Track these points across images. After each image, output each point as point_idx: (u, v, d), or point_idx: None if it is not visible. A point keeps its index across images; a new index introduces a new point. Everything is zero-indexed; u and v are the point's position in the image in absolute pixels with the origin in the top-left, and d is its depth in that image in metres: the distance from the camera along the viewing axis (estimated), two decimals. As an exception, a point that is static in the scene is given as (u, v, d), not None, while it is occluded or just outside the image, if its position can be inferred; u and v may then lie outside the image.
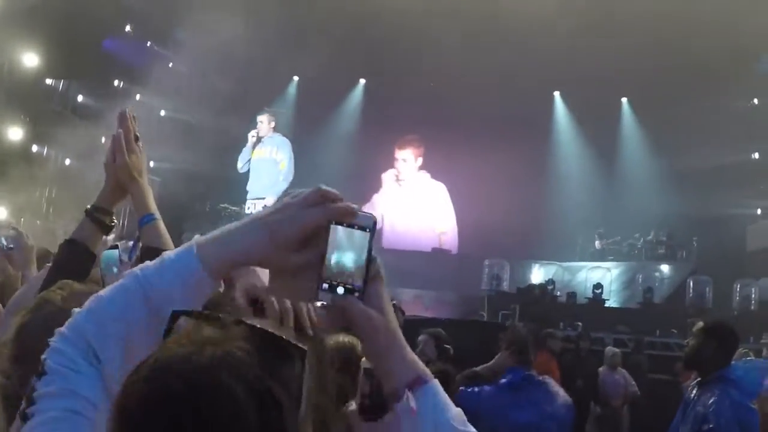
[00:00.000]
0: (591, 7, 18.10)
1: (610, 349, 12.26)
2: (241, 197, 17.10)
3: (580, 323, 16.07)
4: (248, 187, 14.20)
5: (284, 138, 14.14)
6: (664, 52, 18.80)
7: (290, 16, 19.11)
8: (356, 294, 1.50)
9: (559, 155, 22.95)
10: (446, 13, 18.83)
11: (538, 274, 20.76)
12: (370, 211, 1.50)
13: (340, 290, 1.49)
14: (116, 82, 19.44)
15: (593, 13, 18.15)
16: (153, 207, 2.72)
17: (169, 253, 1.52)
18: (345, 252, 1.48)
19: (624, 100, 22.77)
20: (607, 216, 21.03)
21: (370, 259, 1.49)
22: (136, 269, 1.51)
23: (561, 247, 21.14)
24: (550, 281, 19.24)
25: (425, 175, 22.57)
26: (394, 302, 1.43)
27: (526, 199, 20.70)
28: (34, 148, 17.22)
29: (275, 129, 14.07)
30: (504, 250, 20.44)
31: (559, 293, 18.78)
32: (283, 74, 22.84)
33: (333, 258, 1.48)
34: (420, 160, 22.45)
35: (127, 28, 19.69)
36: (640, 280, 19.58)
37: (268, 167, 13.97)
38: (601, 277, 19.79)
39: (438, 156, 22.28)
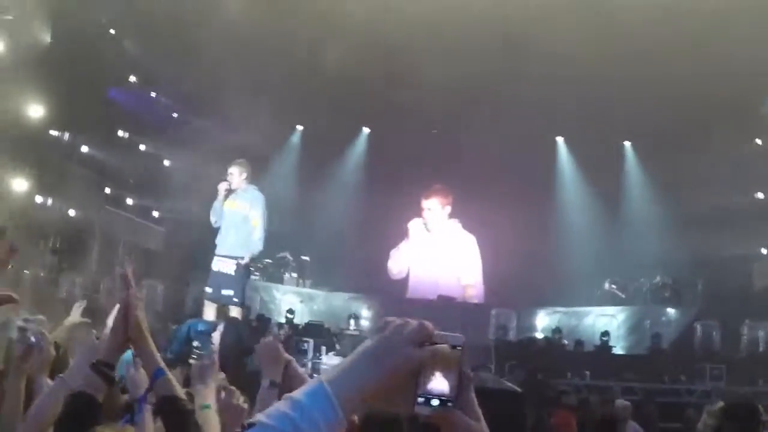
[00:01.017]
0: (592, 52, 18.15)
1: (620, 402, 12.13)
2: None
3: (588, 372, 15.98)
4: (217, 242, 13.84)
5: (258, 192, 13.75)
6: (665, 95, 18.82)
7: (292, 65, 19.21)
8: (449, 404, 1.64)
9: (563, 200, 22.92)
10: (447, 60, 18.88)
11: (544, 321, 20.67)
12: (459, 333, 1.65)
13: (435, 402, 1.63)
14: (120, 133, 19.54)
15: (594, 57, 18.20)
16: (161, 362, 2.97)
17: (301, 396, 1.59)
18: (439, 368, 1.63)
19: (627, 144, 22.79)
20: (611, 260, 20.92)
21: (461, 372, 1.65)
22: (283, 410, 1.57)
23: (566, 292, 21.01)
24: (557, 329, 19.18)
25: (456, 225, 22.44)
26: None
27: (531, 244, 20.58)
28: (39, 198, 17.25)
29: (248, 180, 13.74)
30: (509, 296, 20.39)
31: (566, 341, 18.71)
32: (287, 123, 22.94)
33: (428, 374, 1.62)
34: (448, 209, 22.31)
35: (132, 78, 19.82)
36: (648, 325, 19.51)
37: (239, 223, 13.58)
38: (608, 322, 19.71)
39: (459, 205, 22.25)
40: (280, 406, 1.59)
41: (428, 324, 1.63)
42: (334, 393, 1.57)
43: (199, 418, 3.08)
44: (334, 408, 1.56)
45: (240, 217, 13.49)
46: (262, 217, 13.55)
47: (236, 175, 13.51)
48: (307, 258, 22.10)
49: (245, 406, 3.95)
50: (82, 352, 3.84)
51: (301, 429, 1.53)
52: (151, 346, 2.93)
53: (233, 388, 3.96)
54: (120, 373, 4.06)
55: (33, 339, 4.16)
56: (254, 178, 17.55)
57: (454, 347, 1.64)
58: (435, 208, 21.60)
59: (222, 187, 13.53)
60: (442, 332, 1.65)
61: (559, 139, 23.23)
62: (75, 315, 6.63)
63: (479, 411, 1.78)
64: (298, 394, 1.59)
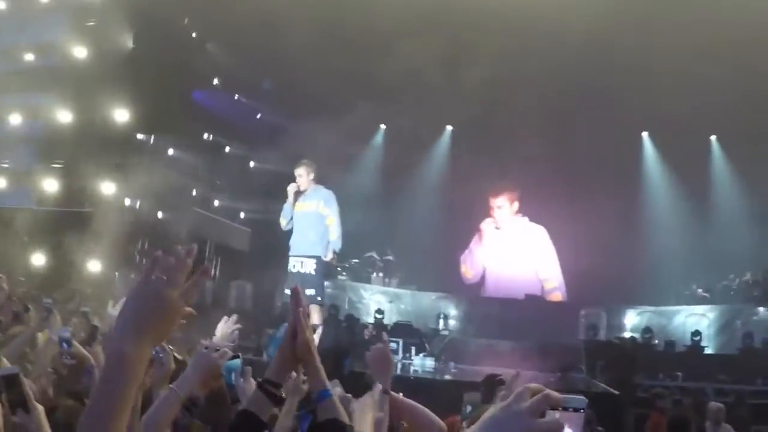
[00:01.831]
0: (676, 45, 17.78)
1: (714, 405, 11.79)
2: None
3: (679, 373, 15.65)
4: (291, 243, 13.74)
5: (329, 191, 13.66)
6: (751, 86, 18.33)
7: (376, 64, 19.20)
8: None
9: (650, 196, 22.44)
10: (530, 57, 18.69)
11: (633, 320, 20.33)
12: (581, 396, 1.64)
13: None
14: (205, 135, 19.77)
15: (679, 49, 17.82)
16: (327, 382, 2.88)
17: None
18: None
19: (713, 138, 22.28)
20: (699, 257, 20.39)
21: None
22: None
23: (655, 290, 20.60)
24: (647, 329, 18.86)
25: (523, 220, 22.28)
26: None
27: (618, 242, 20.20)
28: (127, 201, 17.54)
29: (315, 180, 13.63)
30: (597, 295, 20.12)
31: (656, 341, 18.39)
32: (371, 123, 22.95)
33: None
34: (516, 205, 22.19)
35: (215, 81, 20.04)
36: (739, 324, 19.06)
37: (314, 222, 13.45)
38: (698, 322, 19.31)
39: (532, 201, 22.06)
40: None
41: (552, 394, 1.58)
42: None
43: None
44: None
45: (313, 217, 13.43)
46: (337, 214, 13.49)
47: (304, 175, 13.45)
48: (392, 258, 22.07)
49: (381, 414, 3.95)
50: (194, 361, 3.89)
51: None
52: (318, 366, 2.86)
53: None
54: (228, 381, 4.12)
55: (153, 353, 4.20)
56: (338, 178, 17.72)
57: (577, 410, 1.61)
58: (504, 206, 21.47)
59: (291, 189, 13.52)
60: (565, 396, 1.60)
61: (645, 134, 22.79)
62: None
63: None
64: None
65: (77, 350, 4.87)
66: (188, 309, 2.01)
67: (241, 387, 3.99)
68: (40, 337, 6.20)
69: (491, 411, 1.61)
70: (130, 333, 1.88)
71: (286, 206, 13.59)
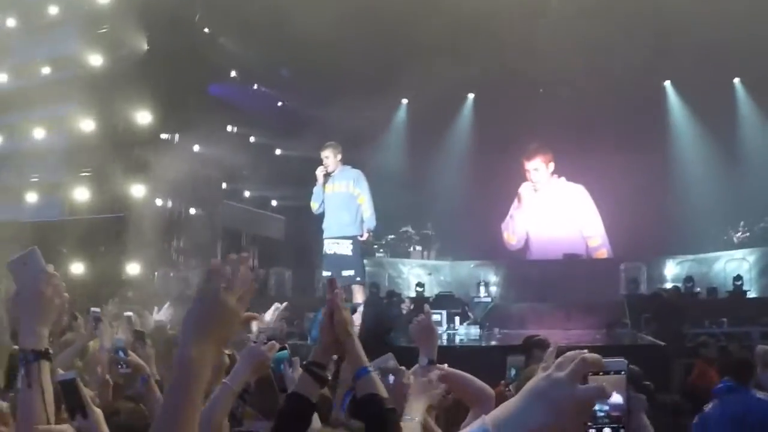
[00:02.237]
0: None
1: (761, 348, 11.66)
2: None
3: (725, 319, 15.56)
4: (324, 226, 13.76)
5: (357, 170, 13.65)
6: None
7: (392, 39, 19.15)
8: (622, 430, 1.70)
9: (677, 145, 22.15)
10: (546, 18, 18.56)
11: (674, 271, 20.23)
12: (621, 358, 1.68)
13: (607, 431, 1.69)
14: (229, 128, 19.81)
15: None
16: (366, 360, 3.00)
17: None
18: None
19: (736, 81, 21.90)
20: (733, 202, 20.18)
21: (629, 396, 1.69)
22: None
23: (692, 239, 20.40)
24: (689, 278, 18.77)
25: (561, 180, 22.20)
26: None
27: (650, 194, 20.09)
28: (158, 201, 17.64)
29: (342, 161, 13.63)
30: (635, 249, 20.05)
31: (698, 289, 18.30)
32: (392, 98, 22.91)
33: (597, 405, 1.64)
34: (552, 166, 22.11)
35: (233, 73, 20.06)
36: (780, 265, 18.97)
37: (346, 203, 13.44)
38: (738, 266, 19.19)
39: (565, 160, 21.99)
40: None
41: (590, 357, 1.60)
42: None
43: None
44: None
45: (345, 197, 13.48)
46: (368, 192, 13.52)
47: (331, 157, 13.52)
48: (429, 231, 22.08)
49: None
50: (243, 355, 3.94)
51: None
52: (356, 346, 2.98)
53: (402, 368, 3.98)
54: (276, 371, 4.21)
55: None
56: (365, 155, 17.69)
57: (618, 372, 1.65)
58: (540, 168, 21.37)
59: (320, 172, 13.57)
60: (605, 359, 1.62)
61: (667, 83, 22.56)
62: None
63: (650, 428, 1.82)
64: None
65: (133, 359, 4.92)
66: (249, 313, 2.12)
67: (290, 376, 4.09)
68: (91, 345, 6.29)
69: (533, 381, 1.63)
70: (193, 338, 2.01)
71: (317, 189, 13.65)
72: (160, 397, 4.49)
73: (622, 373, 1.65)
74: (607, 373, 1.62)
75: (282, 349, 4.16)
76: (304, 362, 3.08)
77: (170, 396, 2.00)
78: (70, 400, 3.02)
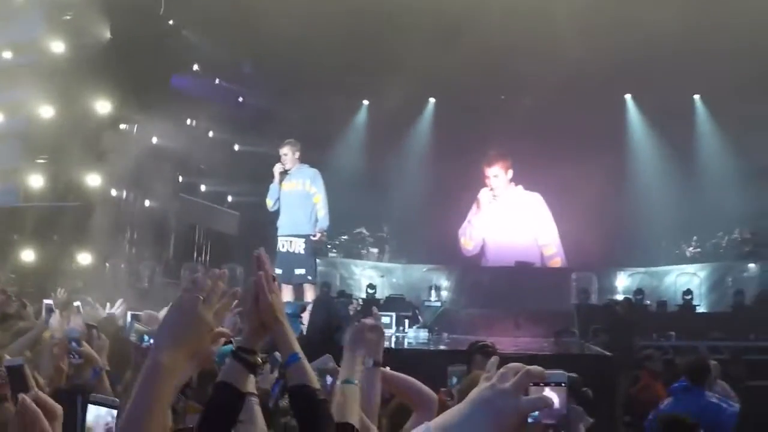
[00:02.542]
0: (655, 3, 17.75)
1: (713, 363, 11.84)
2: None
3: (672, 333, 15.77)
4: (279, 224, 13.74)
5: (314, 169, 13.67)
6: (733, 45, 18.27)
7: (355, 39, 19.19)
8: None
9: (636, 159, 22.47)
10: (510, 25, 18.66)
11: (625, 282, 20.47)
12: (560, 370, 1.71)
13: None
14: (188, 121, 19.73)
15: (659, 7, 17.77)
16: (297, 346, 2.79)
17: None
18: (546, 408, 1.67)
19: (696, 97, 22.21)
20: (688, 217, 20.45)
21: (569, 408, 1.71)
22: None
23: (645, 252, 20.70)
24: (639, 290, 19.01)
25: (519, 188, 22.34)
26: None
27: (605, 205, 20.31)
28: (113, 192, 17.55)
29: (300, 159, 13.64)
30: (588, 259, 20.25)
31: (648, 302, 18.50)
32: (353, 99, 22.96)
33: (535, 414, 1.67)
34: (510, 173, 22.22)
35: (195, 66, 19.99)
36: (730, 282, 19.21)
37: (301, 201, 13.44)
38: (688, 281, 19.45)
39: (523, 168, 22.12)
40: None
41: (533, 370, 1.66)
42: None
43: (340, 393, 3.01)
44: None
45: (300, 196, 13.47)
46: (323, 192, 13.52)
47: (289, 154, 13.51)
48: (384, 234, 22.15)
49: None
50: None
51: None
52: (286, 330, 2.78)
53: None
54: (221, 364, 4.16)
55: (151, 341, 4.24)
56: (323, 155, 17.70)
57: (558, 384, 1.69)
58: (500, 174, 21.45)
59: (277, 169, 13.56)
60: (546, 371, 1.68)
61: (628, 97, 22.78)
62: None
63: None
64: None
65: (86, 349, 4.92)
66: (222, 329, 2.17)
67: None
68: (43, 335, 6.28)
69: (477, 390, 1.68)
70: (167, 345, 2.09)
71: (273, 186, 13.63)
72: (110, 390, 4.52)
73: (563, 384, 1.69)
74: (547, 384, 1.67)
75: (227, 343, 4.13)
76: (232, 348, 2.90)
77: (138, 397, 2.03)
78: (16, 386, 3.03)
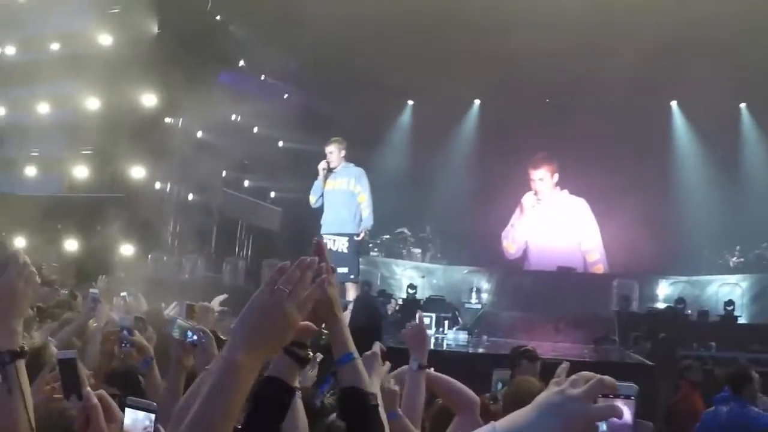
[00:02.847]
0: (701, 11, 17.54)
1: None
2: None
3: (713, 343, 15.56)
4: (322, 221, 13.66)
5: (359, 168, 13.57)
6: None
7: (402, 40, 19.13)
8: None
9: (680, 166, 22.11)
10: (558, 27, 18.54)
11: (666, 291, 20.21)
12: (631, 383, 1.67)
13: None
14: (233, 116, 19.78)
15: (708, 16, 17.57)
16: (352, 345, 2.69)
17: None
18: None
19: (743, 105, 21.89)
20: (732, 226, 20.11)
21: (635, 422, 1.65)
22: None
23: (687, 260, 20.38)
24: (681, 299, 18.73)
25: (564, 192, 22.23)
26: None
27: (649, 213, 20.00)
28: (158, 185, 17.64)
29: (346, 157, 13.54)
30: (630, 266, 20.08)
31: (689, 311, 18.27)
32: (398, 99, 22.95)
33: (604, 426, 1.63)
34: (556, 177, 22.13)
35: (241, 62, 20.04)
36: (773, 293, 18.95)
37: (346, 200, 13.35)
38: (731, 291, 19.17)
39: (568, 172, 22.02)
40: None
41: (606, 380, 1.63)
42: None
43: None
44: None
45: (345, 195, 13.40)
46: (368, 192, 13.44)
47: (335, 152, 13.43)
48: (425, 234, 22.09)
49: (396, 388, 3.87)
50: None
51: None
52: (342, 328, 2.68)
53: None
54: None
55: (195, 338, 4.21)
56: (368, 154, 17.66)
57: (627, 397, 1.64)
58: (545, 178, 21.36)
59: (322, 167, 13.52)
60: (618, 383, 1.64)
61: (673, 104, 22.54)
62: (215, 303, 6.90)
63: None
64: None
65: (138, 339, 4.91)
66: (307, 324, 2.13)
67: None
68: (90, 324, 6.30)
69: (546, 395, 1.65)
70: (246, 344, 1.91)
71: (317, 183, 13.59)
72: (160, 380, 4.49)
73: (632, 397, 1.65)
74: (617, 396, 1.63)
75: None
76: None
77: (211, 398, 1.87)
78: (67, 379, 2.97)
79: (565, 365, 1.73)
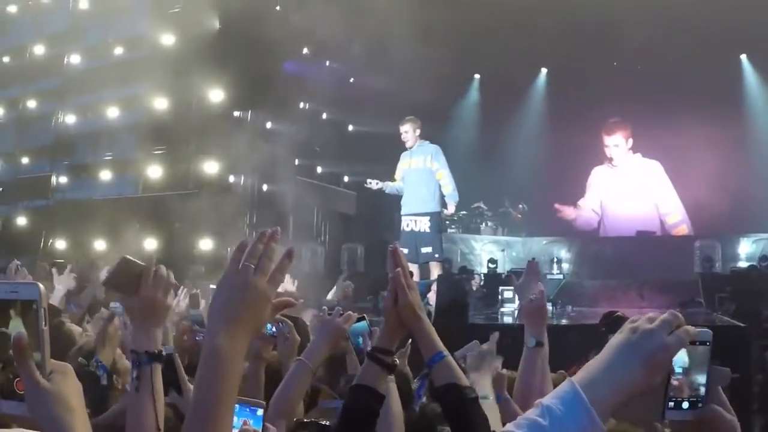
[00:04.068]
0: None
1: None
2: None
3: (803, 301, 15.22)
4: (402, 202, 13.61)
5: (435, 145, 13.49)
6: None
7: (464, 13, 19.01)
8: (700, 405, 1.65)
9: (754, 120, 21.57)
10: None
11: (749, 249, 19.77)
12: (706, 328, 1.64)
13: (685, 405, 1.64)
14: (301, 105, 19.85)
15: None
16: (440, 344, 2.71)
17: (554, 403, 1.55)
18: (689, 368, 1.64)
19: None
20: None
21: (710, 368, 1.65)
22: (533, 418, 1.55)
23: (768, 216, 20.01)
24: (764, 257, 18.34)
25: (637, 156, 21.99)
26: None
27: (724, 170, 19.68)
28: (231, 178, 17.79)
29: (421, 135, 13.49)
30: (710, 226, 19.71)
31: (775, 269, 17.89)
32: (465, 74, 22.84)
33: (678, 375, 1.63)
34: (630, 142, 21.90)
35: (305, 50, 20.07)
36: None
37: (424, 178, 13.28)
38: (817, 245, 18.78)
39: (641, 135, 21.75)
40: (531, 413, 1.56)
41: (677, 313, 1.60)
42: (591, 399, 1.52)
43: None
44: (591, 418, 1.51)
45: (423, 173, 13.36)
46: (446, 167, 13.38)
47: (410, 132, 13.40)
48: (505, 207, 21.92)
49: (504, 372, 3.88)
50: (318, 329, 3.94)
51: None
52: (428, 328, 2.69)
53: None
54: (356, 345, 4.05)
55: (274, 329, 4.21)
56: (438, 131, 17.60)
57: (703, 343, 1.63)
58: (620, 143, 21.10)
59: (372, 186, 13.61)
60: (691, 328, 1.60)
61: (743, 57, 22.04)
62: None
63: (728, 404, 1.74)
64: (550, 399, 1.56)
65: None
66: (287, 299, 1.98)
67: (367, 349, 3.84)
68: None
69: (620, 336, 1.61)
70: (221, 326, 1.83)
71: (389, 190, 13.64)
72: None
73: (707, 344, 1.63)
74: (693, 343, 1.60)
75: (360, 319, 4.02)
76: (368, 349, 2.85)
77: (200, 390, 1.79)
78: (165, 375, 2.99)
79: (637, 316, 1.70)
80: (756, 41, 19.70)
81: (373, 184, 13.72)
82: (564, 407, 1.51)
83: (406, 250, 13.00)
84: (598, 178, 22.05)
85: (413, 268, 13.06)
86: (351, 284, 12.11)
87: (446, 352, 2.68)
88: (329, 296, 11.86)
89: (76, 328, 5.19)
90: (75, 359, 3.92)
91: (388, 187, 13.74)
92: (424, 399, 3.90)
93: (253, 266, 1.86)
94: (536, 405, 1.55)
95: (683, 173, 20.61)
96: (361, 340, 3.97)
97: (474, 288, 15.55)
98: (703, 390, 1.65)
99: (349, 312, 3.88)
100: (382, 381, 2.71)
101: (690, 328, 1.59)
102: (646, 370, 1.54)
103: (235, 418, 2.65)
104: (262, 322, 1.91)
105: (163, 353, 2.63)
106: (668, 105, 20.30)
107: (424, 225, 13.38)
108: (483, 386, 3.17)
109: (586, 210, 22.15)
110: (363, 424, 2.64)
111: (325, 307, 5.79)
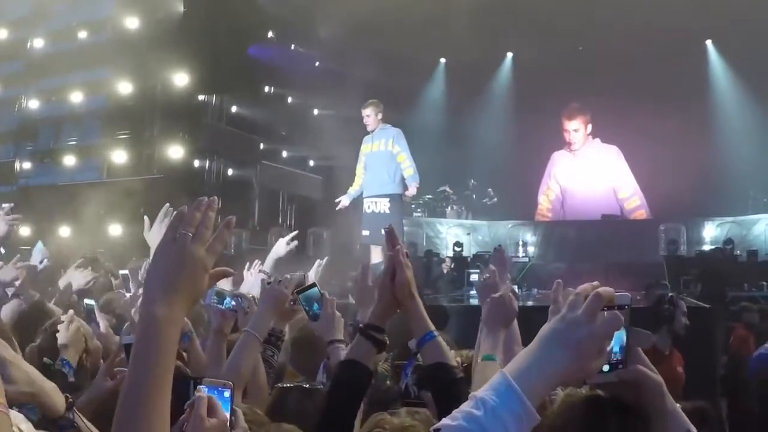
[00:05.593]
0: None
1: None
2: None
3: (764, 283, 15.36)
4: (363, 185, 13.63)
5: (397, 129, 13.48)
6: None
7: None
8: (620, 366, 1.71)
9: (718, 106, 21.70)
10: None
11: (713, 232, 19.95)
12: (624, 291, 1.67)
13: (606, 368, 1.68)
14: (266, 89, 19.80)
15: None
16: (431, 324, 2.73)
17: (489, 395, 1.56)
18: None
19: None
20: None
21: (628, 331, 1.69)
22: (467, 410, 1.55)
23: (734, 200, 19.98)
24: (729, 240, 18.51)
25: (596, 141, 22.10)
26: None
27: (689, 155, 19.74)
28: (196, 163, 17.71)
29: (383, 119, 13.47)
30: (675, 210, 19.83)
31: (738, 252, 18.06)
32: (430, 58, 22.85)
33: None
34: (590, 127, 22.00)
35: (270, 34, 19.99)
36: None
37: (385, 161, 13.27)
38: (778, 229, 18.96)
39: (602, 121, 21.85)
40: (465, 406, 1.57)
41: (604, 291, 1.61)
42: (523, 388, 1.54)
43: (479, 370, 2.88)
44: (524, 405, 1.53)
45: (384, 156, 13.31)
46: (407, 150, 13.35)
47: (372, 116, 13.34)
48: (468, 191, 21.97)
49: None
50: (262, 298, 3.96)
51: (487, 430, 1.51)
52: (420, 307, 2.73)
53: None
54: (313, 312, 3.97)
55: (233, 304, 4.19)
56: (404, 116, 17.60)
57: (621, 307, 1.63)
58: (579, 129, 21.21)
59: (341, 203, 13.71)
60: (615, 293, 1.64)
61: (708, 42, 22.15)
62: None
63: (649, 362, 1.80)
64: (483, 392, 1.57)
65: None
66: (224, 269, 1.95)
67: (329, 316, 3.80)
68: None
69: (547, 327, 1.63)
70: (159, 295, 1.78)
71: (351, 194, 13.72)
72: (202, 353, 4.49)
73: (626, 307, 1.65)
74: (612, 308, 1.61)
75: (311, 286, 3.95)
76: (360, 325, 2.82)
77: (137, 360, 1.74)
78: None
79: (556, 283, 1.71)
80: (721, 27, 19.83)
81: (342, 201, 13.77)
82: (497, 397, 1.54)
83: (367, 232, 13.11)
84: (557, 162, 22.15)
85: (376, 249, 13.11)
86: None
87: (436, 332, 2.71)
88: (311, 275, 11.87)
89: (57, 309, 5.14)
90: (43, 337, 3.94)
91: (350, 195, 13.75)
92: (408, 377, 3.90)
93: (190, 234, 1.82)
94: (470, 398, 1.57)
95: (648, 158, 20.69)
96: (316, 305, 3.91)
97: (445, 271, 15.61)
98: (623, 353, 1.70)
99: (287, 275, 3.94)
100: (372, 357, 2.74)
101: (606, 289, 1.61)
102: (575, 359, 1.57)
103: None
104: (200, 291, 1.87)
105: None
106: (633, 90, 20.36)
107: (384, 206, 13.32)
108: (495, 346, 3.07)
109: (553, 191, 22.19)
110: (351, 397, 2.68)
111: (263, 277, 5.78)
